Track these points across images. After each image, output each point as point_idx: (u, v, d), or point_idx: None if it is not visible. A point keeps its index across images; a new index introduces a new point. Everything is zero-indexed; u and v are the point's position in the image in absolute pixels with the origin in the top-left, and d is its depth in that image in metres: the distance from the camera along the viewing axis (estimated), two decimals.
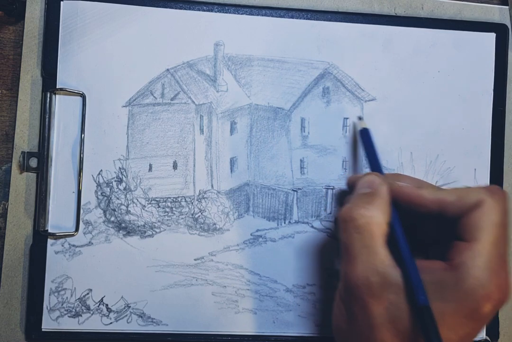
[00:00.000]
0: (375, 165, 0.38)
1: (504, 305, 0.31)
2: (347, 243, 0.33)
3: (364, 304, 0.31)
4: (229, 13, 0.41)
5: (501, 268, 0.31)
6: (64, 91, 0.39)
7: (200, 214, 0.40)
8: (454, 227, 0.33)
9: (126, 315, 0.39)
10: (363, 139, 0.40)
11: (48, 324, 0.39)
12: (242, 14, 0.41)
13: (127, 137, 0.40)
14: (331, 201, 0.41)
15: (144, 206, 0.40)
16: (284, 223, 0.41)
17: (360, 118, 0.41)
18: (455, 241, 0.32)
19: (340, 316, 0.34)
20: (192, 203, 0.40)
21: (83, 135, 0.39)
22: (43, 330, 0.39)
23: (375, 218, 0.32)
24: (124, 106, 0.40)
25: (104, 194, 0.40)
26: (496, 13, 0.44)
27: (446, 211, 0.33)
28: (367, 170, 0.41)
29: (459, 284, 0.30)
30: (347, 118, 0.42)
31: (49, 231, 0.39)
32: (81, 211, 0.39)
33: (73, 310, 0.39)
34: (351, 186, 0.37)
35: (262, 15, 0.41)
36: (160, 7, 0.40)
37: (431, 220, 0.36)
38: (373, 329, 0.31)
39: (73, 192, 0.39)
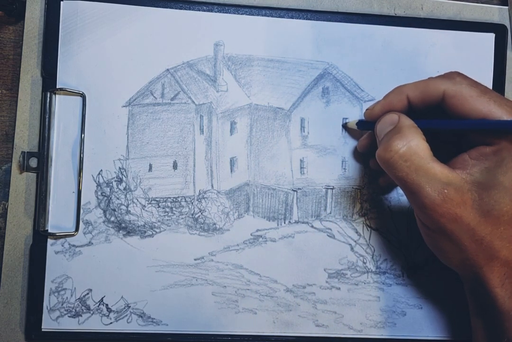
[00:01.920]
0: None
1: None
2: (400, 176, 0.33)
3: (454, 218, 0.32)
4: (229, 13, 0.41)
5: None
6: (64, 91, 0.39)
7: (200, 214, 0.40)
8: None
9: (126, 315, 0.39)
10: (367, 125, 0.39)
11: (48, 324, 0.39)
12: (242, 14, 0.41)
13: (127, 137, 0.40)
14: (331, 201, 0.41)
15: (144, 206, 0.40)
16: (284, 223, 0.41)
17: (345, 123, 0.41)
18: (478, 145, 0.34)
19: (434, 247, 0.35)
20: (192, 203, 0.40)
21: (83, 135, 0.39)
22: (43, 330, 0.39)
23: (412, 140, 0.33)
24: (124, 106, 0.40)
25: (104, 194, 0.40)
26: (495, 14, 0.44)
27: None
28: (367, 170, 0.42)
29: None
30: (346, 118, 0.42)
31: (49, 231, 0.39)
32: (81, 211, 0.39)
33: (73, 310, 0.39)
34: (369, 123, 0.38)
35: (262, 15, 0.41)
36: (160, 7, 0.40)
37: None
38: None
39: (73, 192, 0.39)
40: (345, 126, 0.41)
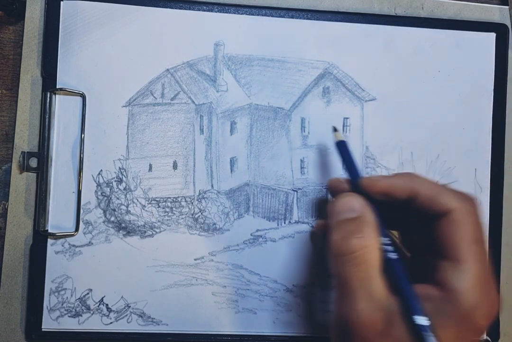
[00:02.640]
0: (355, 175, 0.35)
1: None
2: (343, 277, 0.30)
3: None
4: (229, 13, 0.41)
5: (490, 285, 0.30)
6: (64, 91, 0.39)
7: (200, 214, 0.40)
8: (433, 241, 0.32)
9: (126, 315, 0.39)
10: (340, 152, 0.37)
11: (48, 324, 0.39)
12: (242, 14, 0.41)
13: (127, 137, 0.40)
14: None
15: (144, 206, 0.40)
16: (284, 223, 0.41)
17: (335, 129, 0.38)
18: (439, 260, 0.31)
19: None
20: (192, 203, 0.40)
21: (83, 135, 0.39)
22: (43, 330, 0.39)
23: (370, 246, 0.30)
24: (124, 106, 0.40)
25: (104, 194, 0.40)
26: (496, 13, 0.44)
27: (418, 203, 0.32)
28: (368, 169, 0.41)
29: (455, 310, 0.29)
30: (347, 118, 0.42)
31: (49, 231, 0.39)
32: (81, 211, 0.39)
33: (73, 310, 0.39)
34: (331, 191, 0.37)
35: (262, 15, 0.41)
36: (160, 7, 0.40)
37: (414, 233, 0.35)
38: None
39: (73, 192, 0.39)
40: (333, 131, 0.39)
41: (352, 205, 0.32)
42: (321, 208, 0.41)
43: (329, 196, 0.41)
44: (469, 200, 0.32)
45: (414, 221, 0.34)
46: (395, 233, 0.36)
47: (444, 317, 0.29)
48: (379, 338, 0.29)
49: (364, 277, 0.30)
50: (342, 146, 0.37)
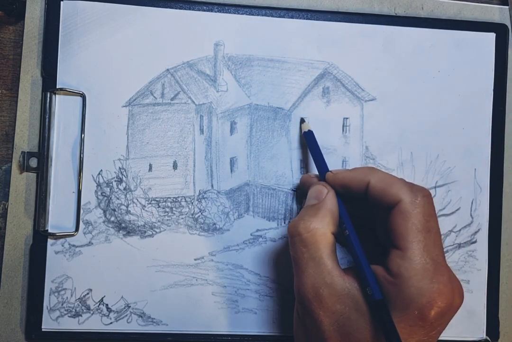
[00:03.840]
0: (322, 166, 0.38)
1: (457, 308, 0.32)
2: (295, 256, 0.33)
3: (315, 317, 0.32)
4: (229, 13, 0.41)
5: (438, 273, 0.31)
6: (64, 91, 0.39)
7: (200, 214, 0.40)
8: (387, 233, 0.33)
9: (126, 315, 0.39)
10: (308, 142, 0.40)
11: (48, 324, 0.39)
12: (242, 14, 0.41)
13: (127, 137, 0.40)
14: None
15: (144, 206, 0.40)
16: (284, 223, 0.41)
17: (303, 120, 0.41)
18: (391, 248, 0.33)
19: (298, 330, 0.35)
20: (192, 203, 0.40)
21: (83, 135, 0.39)
22: (43, 330, 0.39)
23: (319, 229, 0.33)
24: (124, 106, 0.40)
25: (104, 194, 0.40)
26: (496, 13, 0.44)
27: (371, 194, 0.34)
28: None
29: (399, 294, 0.31)
30: (347, 118, 0.42)
31: (49, 231, 0.39)
32: (81, 211, 0.39)
33: (73, 310, 0.39)
34: (303, 187, 0.39)
35: (262, 15, 0.41)
36: (160, 7, 0.40)
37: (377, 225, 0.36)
38: None
39: (73, 192, 0.39)
40: (301, 122, 0.41)
41: (317, 193, 0.35)
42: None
43: None
44: (418, 191, 0.33)
45: (372, 214, 0.36)
46: None
47: (389, 300, 0.31)
48: (323, 311, 0.32)
49: (311, 257, 0.33)
50: (309, 136, 0.40)
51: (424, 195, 0.33)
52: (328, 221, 0.33)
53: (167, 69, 0.40)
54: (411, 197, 0.33)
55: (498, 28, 0.43)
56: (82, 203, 0.39)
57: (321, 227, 0.33)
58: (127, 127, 0.40)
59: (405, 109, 0.42)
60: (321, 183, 0.36)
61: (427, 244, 0.32)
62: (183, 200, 0.40)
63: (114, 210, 0.40)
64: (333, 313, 0.31)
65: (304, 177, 0.40)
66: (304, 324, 0.34)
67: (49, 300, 0.39)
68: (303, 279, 0.33)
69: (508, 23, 0.43)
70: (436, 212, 0.34)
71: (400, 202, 0.32)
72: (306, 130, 0.40)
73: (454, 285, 0.32)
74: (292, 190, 0.41)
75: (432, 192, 0.41)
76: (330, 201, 0.35)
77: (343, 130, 0.42)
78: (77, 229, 0.39)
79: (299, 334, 0.35)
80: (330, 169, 0.37)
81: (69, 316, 0.39)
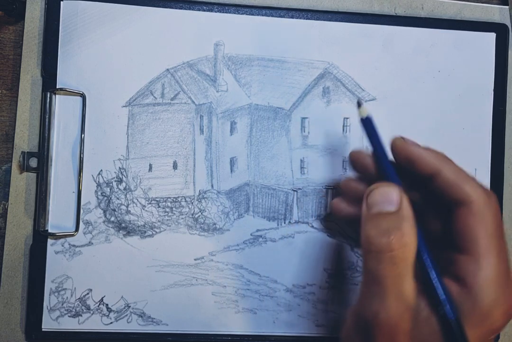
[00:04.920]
0: (382, 158, 0.33)
1: None
2: (376, 274, 0.29)
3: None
4: (229, 13, 0.41)
5: (508, 281, 0.29)
6: (64, 91, 0.39)
7: (200, 214, 0.40)
8: (451, 233, 0.31)
9: (126, 315, 0.39)
10: (366, 129, 0.34)
11: (48, 324, 0.39)
12: (242, 14, 0.41)
13: (127, 137, 0.40)
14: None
15: (144, 206, 0.40)
16: (284, 223, 0.41)
17: (359, 104, 0.35)
18: (458, 253, 0.30)
19: None
20: (192, 203, 0.40)
21: (83, 135, 0.39)
22: (43, 330, 0.39)
23: (409, 245, 0.29)
24: (124, 106, 0.40)
25: (104, 194, 0.40)
26: (496, 13, 0.44)
27: (438, 184, 0.31)
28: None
29: (475, 307, 0.28)
30: (347, 118, 0.42)
31: (49, 231, 0.39)
32: (81, 211, 0.39)
33: (73, 310, 0.39)
34: (348, 192, 0.36)
35: (262, 15, 0.41)
36: (160, 7, 0.40)
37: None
38: None
39: (73, 192, 0.39)
40: (358, 106, 0.35)
41: (391, 196, 0.30)
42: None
43: (331, 192, 0.41)
44: (491, 194, 0.31)
45: (431, 208, 0.33)
46: None
47: (463, 314, 0.28)
48: (404, 338, 0.28)
49: (398, 276, 0.28)
50: (368, 124, 0.34)
51: (496, 198, 0.30)
52: (414, 234, 0.29)
53: (167, 69, 0.40)
54: (485, 198, 0.30)
55: (498, 28, 0.43)
56: (82, 203, 0.39)
57: (410, 242, 0.29)
58: (127, 127, 0.40)
59: (405, 109, 0.42)
60: (392, 184, 0.31)
61: (500, 250, 0.29)
62: (183, 200, 0.40)
63: (114, 210, 0.40)
64: (412, 338, 0.28)
65: (354, 152, 0.35)
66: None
67: (49, 300, 0.39)
68: (385, 300, 0.28)
69: (508, 23, 0.43)
70: None
71: (473, 203, 0.30)
72: (364, 116, 0.34)
73: None
74: (292, 189, 0.41)
75: None
76: (408, 207, 0.30)
77: (343, 130, 0.42)
78: (77, 229, 0.39)
79: None
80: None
81: (69, 316, 0.39)
